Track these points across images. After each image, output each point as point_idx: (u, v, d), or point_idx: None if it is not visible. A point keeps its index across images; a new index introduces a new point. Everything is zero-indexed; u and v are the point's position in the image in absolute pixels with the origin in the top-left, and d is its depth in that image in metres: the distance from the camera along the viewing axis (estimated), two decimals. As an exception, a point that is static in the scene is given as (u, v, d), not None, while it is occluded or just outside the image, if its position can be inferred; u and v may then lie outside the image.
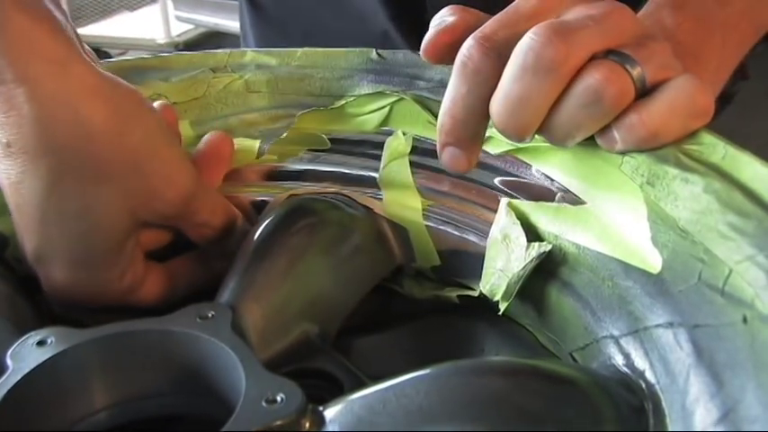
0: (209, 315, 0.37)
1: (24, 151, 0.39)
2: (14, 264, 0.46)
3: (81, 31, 3.62)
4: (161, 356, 0.37)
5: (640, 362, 0.34)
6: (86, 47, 0.43)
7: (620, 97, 0.35)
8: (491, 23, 0.38)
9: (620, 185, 0.38)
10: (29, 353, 0.35)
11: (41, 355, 0.35)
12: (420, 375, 0.32)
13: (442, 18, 0.40)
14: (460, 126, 0.38)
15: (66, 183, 0.40)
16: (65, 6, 0.44)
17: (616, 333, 0.36)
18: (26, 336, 0.36)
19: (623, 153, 0.37)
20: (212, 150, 0.48)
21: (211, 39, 3.30)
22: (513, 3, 0.39)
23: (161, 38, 3.43)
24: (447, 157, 0.39)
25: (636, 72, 0.35)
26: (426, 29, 0.41)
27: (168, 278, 0.45)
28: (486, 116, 0.37)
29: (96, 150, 0.40)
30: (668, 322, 0.33)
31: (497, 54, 0.37)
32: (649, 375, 0.33)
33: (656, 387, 0.32)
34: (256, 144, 0.51)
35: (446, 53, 0.39)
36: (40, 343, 0.36)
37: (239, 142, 0.50)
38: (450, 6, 0.41)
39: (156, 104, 0.48)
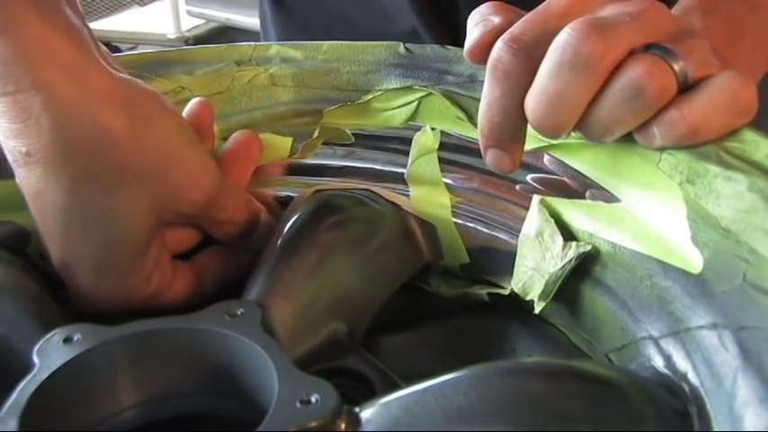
0: (239, 313, 0.37)
1: (45, 161, 0.39)
2: (37, 259, 0.45)
3: (91, 25, 3.64)
4: (189, 355, 0.36)
5: (682, 364, 0.33)
6: (102, 47, 0.42)
7: (662, 91, 0.34)
8: (520, 24, 0.37)
9: (658, 183, 0.37)
10: (55, 350, 0.35)
11: (68, 353, 0.35)
12: (458, 376, 0.31)
13: (485, 17, 0.39)
14: (498, 128, 0.38)
15: (88, 190, 0.39)
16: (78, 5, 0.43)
17: (656, 334, 0.35)
18: (52, 332, 0.36)
19: (662, 150, 0.36)
20: (240, 149, 0.47)
21: (222, 34, 3.29)
22: (545, 2, 0.38)
23: (171, 33, 3.42)
24: (491, 158, 0.39)
25: (678, 66, 0.34)
26: (458, 27, 0.40)
27: (195, 277, 0.45)
28: (524, 116, 0.36)
29: (117, 156, 0.39)
30: (712, 323, 0.32)
31: (527, 54, 0.36)
32: (692, 378, 0.32)
33: (701, 390, 0.31)
34: (289, 142, 0.50)
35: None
36: (67, 340, 0.35)
37: (271, 139, 0.50)
38: (490, 3, 0.40)
39: (192, 101, 0.47)
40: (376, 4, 0.69)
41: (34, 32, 0.38)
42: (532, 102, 0.35)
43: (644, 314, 0.36)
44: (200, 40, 3.41)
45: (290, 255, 0.41)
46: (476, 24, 0.40)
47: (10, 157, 0.40)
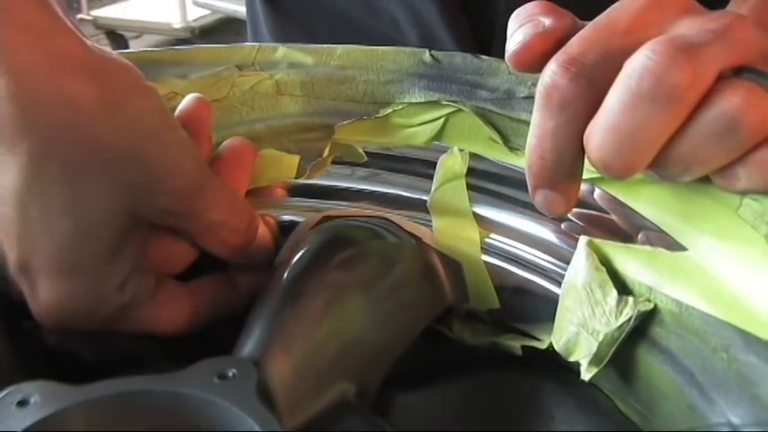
0: (230, 374, 0.30)
1: (3, 137, 0.32)
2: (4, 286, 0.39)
3: (97, 12, 3.59)
4: (170, 425, 0.30)
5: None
6: (75, 22, 0.36)
7: (761, 125, 0.28)
8: (578, 41, 0.31)
9: (737, 233, 0.31)
10: (7, 416, 0.29)
11: (22, 420, 0.29)
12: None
13: (533, 17, 0.33)
14: (552, 167, 0.31)
15: (51, 172, 0.33)
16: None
17: (736, 421, 0.29)
18: (5, 392, 0.30)
19: (743, 194, 0.30)
20: (232, 156, 0.41)
21: (229, 25, 3.24)
22: (605, 13, 0.32)
23: (177, 22, 3.38)
24: (541, 200, 0.33)
25: None
26: (493, 31, 0.34)
27: (189, 302, 0.38)
28: (581, 151, 0.30)
29: (85, 132, 0.33)
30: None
31: (588, 80, 0.30)
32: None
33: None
34: (296, 160, 0.44)
35: (540, 63, 0.32)
36: (22, 403, 0.29)
37: (275, 156, 0.43)
38: (537, 3, 0.33)
39: (187, 97, 0.41)
40: (384, 10, 0.62)
41: None
42: (599, 139, 0.29)
43: (719, 394, 0.30)
44: (206, 30, 3.38)
45: (293, 300, 0.35)
46: (521, 25, 0.33)
47: None
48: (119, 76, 0.35)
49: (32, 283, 0.35)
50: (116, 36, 3.63)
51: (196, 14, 3.39)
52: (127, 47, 3.49)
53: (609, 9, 0.32)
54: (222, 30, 3.32)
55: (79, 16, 3.63)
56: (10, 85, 0.32)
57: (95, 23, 3.55)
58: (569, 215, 0.38)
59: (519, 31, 0.33)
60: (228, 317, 0.39)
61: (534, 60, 0.32)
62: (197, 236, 0.38)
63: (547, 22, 0.32)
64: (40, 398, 0.29)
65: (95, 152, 0.34)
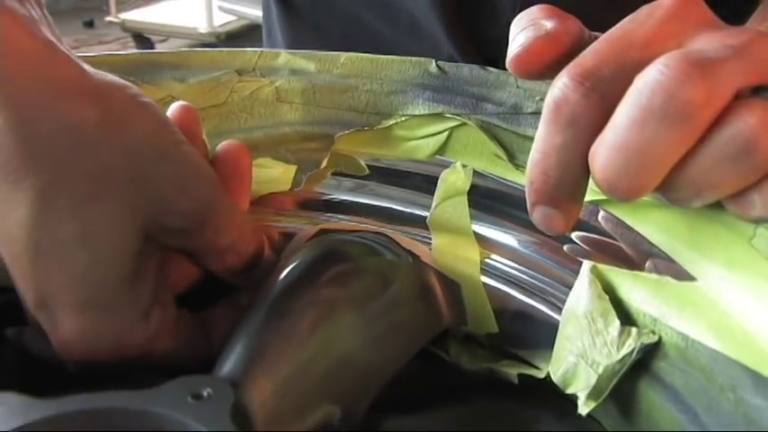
0: (205, 394, 0.29)
1: (4, 172, 0.31)
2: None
3: (124, 15, 3.62)
4: (136, 445, 0.28)
5: None
6: (64, 43, 0.35)
7: None
8: (591, 54, 0.29)
9: (750, 264, 0.29)
10: (-35, 430, 0.27)
11: (-19, 435, 0.27)
12: None
13: (535, 20, 0.31)
14: (555, 183, 0.29)
15: (59, 203, 0.32)
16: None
17: (741, 468, 0.27)
18: (-34, 404, 0.28)
19: (758, 222, 0.28)
20: (232, 162, 0.39)
21: (253, 31, 3.24)
22: (620, 24, 0.30)
23: (203, 27, 3.40)
24: (540, 216, 0.30)
25: None
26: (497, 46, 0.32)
27: (202, 332, 0.37)
28: (587, 169, 0.28)
29: (91, 159, 0.32)
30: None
31: (600, 95, 0.28)
32: None
33: None
34: (292, 171, 0.42)
35: (541, 68, 0.30)
36: (-17, 416, 0.28)
37: (271, 165, 0.42)
38: (540, 6, 0.31)
39: (173, 106, 0.39)
40: (404, 14, 0.60)
41: None
42: (604, 157, 0.27)
43: (725, 437, 0.28)
44: (232, 36, 3.39)
45: (279, 316, 0.33)
46: (523, 28, 0.31)
47: None
48: (118, 96, 0.34)
49: (52, 320, 0.33)
50: (143, 39, 3.65)
51: (222, 20, 3.41)
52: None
53: (624, 20, 0.30)
54: (247, 36, 3.33)
55: (107, 19, 3.66)
56: (10, 117, 0.31)
57: (123, 26, 3.58)
58: (574, 238, 0.36)
59: (521, 34, 0.31)
60: None
61: (535, 65, 0.30)
62: (203, 257, 0.37)
63: (549, 25, 0.30)
64: (4, 411, 0.28)
65: (103, 178, 0.33)
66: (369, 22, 0.63)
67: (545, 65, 0.31)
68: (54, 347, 0.34)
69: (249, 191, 0.40)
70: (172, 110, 0.39)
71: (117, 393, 0.29)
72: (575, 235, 0.36)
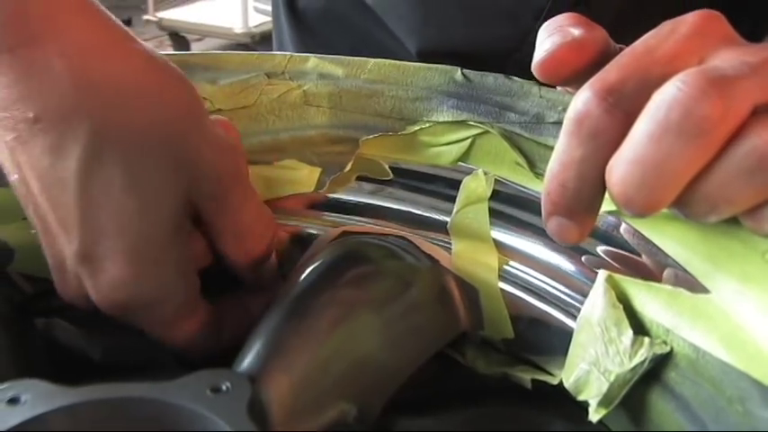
0: (224, 387, 0.30)
1: (60, 118, 0.33)
2: (20, 281, 0.39)
3: (161, 14, 3.66)
4: (156, 433, 0.29)
5: None
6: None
7: None
8: (615, 69, 0.29)
9: (762, 279, 0.29)
10: (-5, 412, 0.28)
11: (9, 417, 0.28)
12: None
13: (562, 27, 0.32)
14: (572, 195, 0.30)
15: (110, 152, 0.33)
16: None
17: (746, 479, 0.27)
18: (-2, 388, 0.29)
19: (773, 238, 0.29)
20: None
21: (288, 33, 3.26)
22: (643, 39, 0.30)
23: (238, 27, 3.43)
24: (554, 226, 0.31)
25: None
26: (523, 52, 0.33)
27: (214, 321, 0.38)
28: (605, 184, 0.29)
29: (140, 111, 0.34)
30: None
31: (624, 111, 0.28)
32: None
33: None
34: (317, 173, 0.43)
35: (566, 75, 0.31)
36: (12, 401, 0.29)
37: (296, 167, 0.43)
38: (567, 14, 0.32)
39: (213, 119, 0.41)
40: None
41: None
42: (622, 171, 0.27)
43: (732, 448, 0.28)
44: (267, 36, 3.41)
45: (299, 315, 0.34)
46: (550, 34, 0.32)
47: (6, 138, 0.33)
48: (163, 61, 0.36)
49: (96, 270, 0.34)
50: (179, 38, 3.69)
51: (257, 21, 3.44)
52: (188, 49, 3.55)
53: (647, 35, 0.30)
54: (282, 37, 3.35)
55: (145, 17, 3.70)
56: (69, 63, 0.33)
57: (160, 25, 3.62)
58: (595, 248, 0.37)
59: (547, 40, 0.32)
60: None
61: (560, 71, 0.31)
62: (224, 236, 0.37)
63: (576, 32, 0.31)
64: (31, 397, 0.29)
65: (150, 132, 0.34)
66: (379, 38, 0.63)
67: (570, 72, 0.31)
68: (94, 298, 0.35)
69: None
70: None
71: (138, 384, 0.30)
72: (596, 247, 0.37)
